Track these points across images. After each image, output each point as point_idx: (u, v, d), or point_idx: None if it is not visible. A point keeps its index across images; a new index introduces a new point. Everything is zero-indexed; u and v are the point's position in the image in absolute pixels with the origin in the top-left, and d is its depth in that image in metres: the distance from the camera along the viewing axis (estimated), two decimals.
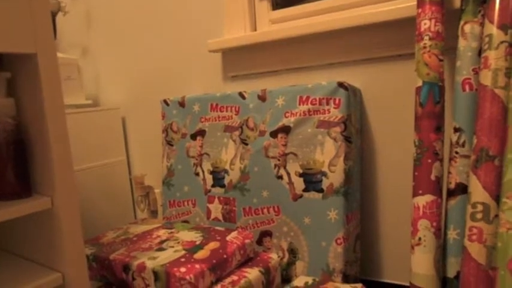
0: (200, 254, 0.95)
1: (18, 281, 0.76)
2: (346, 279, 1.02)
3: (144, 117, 1.57)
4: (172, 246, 1.01)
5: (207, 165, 1.24)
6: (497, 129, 0.77)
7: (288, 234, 1.08)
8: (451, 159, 0.87)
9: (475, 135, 0.79)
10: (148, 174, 1.58)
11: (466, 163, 0.85)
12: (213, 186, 1.22)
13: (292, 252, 1.08)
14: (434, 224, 0.84)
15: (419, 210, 0.86)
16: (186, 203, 1.29)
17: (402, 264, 1.12)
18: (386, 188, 1.11)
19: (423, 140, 0.86)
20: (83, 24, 1.67)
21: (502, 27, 0.78)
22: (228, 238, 1.03)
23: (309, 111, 1.05)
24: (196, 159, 1.26)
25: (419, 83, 0.87)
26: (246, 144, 1.16)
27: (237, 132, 1.18)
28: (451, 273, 0.86)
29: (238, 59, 1.30)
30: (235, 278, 0.95)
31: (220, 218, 1.20)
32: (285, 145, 1.08)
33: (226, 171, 1.19)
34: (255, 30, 1.29)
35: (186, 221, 1.28)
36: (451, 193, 0.87)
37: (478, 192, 0.78)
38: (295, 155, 1.07)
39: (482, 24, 0.84)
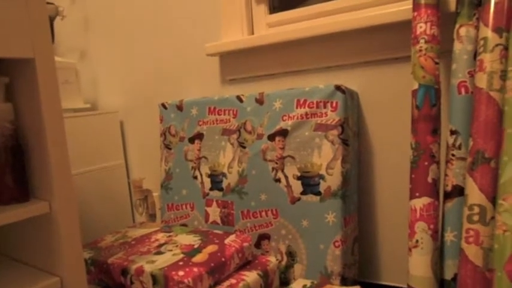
0: (198, 258, 0.95)
1: (17, 285, 0.76)
2: (344, 281, 1.02)
3: (142, 120, 1.57)
4: (171, 250, 1.01)
5: (205, 169, 1.24)
6: (493, 131, 0.78)
7: (286, 237, 1.09)
8: (447, 161, 0.88)
9: (471, 138, 0.80)
10: (147, 177, 1.58)
11: (463, 165, 0.85)
12: (211, 189, 1.23)
13: (291, 255, 1.08)
14: (432, 226, 0.85)
15: (416, 213, 0.86)
16: (184, 207, 1.29)
17: (400, 267, 1.12)
18: (384, 190, 1.12)
19: (420, 143, 0.86)
20: (81, 28, 1.67)
21: (497, 30, 0.78)
22: (226, 241, 1.03)
23: (306, 114, 1.05)
24: (195, 163, 1.26)
25: (416, 86, 0.87)
26: (244, 147, 1.16)
27: (234, 136, 1.18)
28: (448, 275, 0.87)
29: (235, 63, 1.30)
30: (233, 281, 0.95)
31: (219, 221, 1.21)
32: (282, 148, 1.08)
33: (224, 175, 1.20)
34: (253, 33, 1.29)
35: (184, 225, 1.29)
36: (447, 195, 0.87)
37: (475, 195, 0.78)
38: (292, 158, 1.07)
39: (477, 28, 0.85)
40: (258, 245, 1.13)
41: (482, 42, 0.80)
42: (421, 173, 0.86)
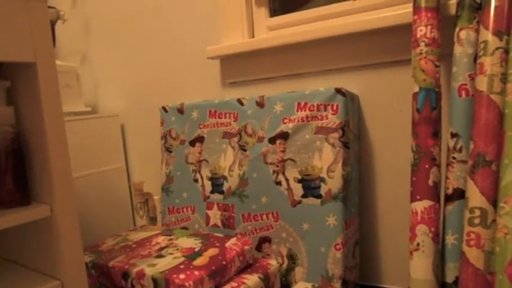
0: (199, 261, 0.95)
1: None
2: (345, 284, 1.02)
3: (142, 124, 1.57)
4: (172, 253, 1.01)
5: (205, 172, 1.24)
6: (494, 134, 0.78)
7: (287, 240, 1.09)
8: (448, 164, 0.88)
9: (471, 141, 0.80)
10: (147, 181, 1.58)
11: (463, 168, 0.85)
12: (211, 192, 1.23)
13: (291, 258, 1.08)
14: (433, 229, 0.85)
15: (417, 216, 0.86)
16: (185, 210, 1.29)
17: (401, 270, 1.12)
18: (385, 193, 1.12)
19: (420, 146, 0.86)
20: (81, 32, 1.67)
21: (497, 33, 0.79)
22: (227, 244, 1.03)
23: (307, 117, 1.05)
24: (195, 166, 1.26)
25: (416, 89, 0.88)
26: (245, 150, 1.16)
27: (235, 139, 1.18)
28: (449, 278, 0.87)
29: (236, 66, 1.31)
30: (234, 284, 0.95)
31: (219, 224, 1.21)
32: (283, 151, 1.09)
33: (225, 178, 1.20)
34: (253, 37, 1.30)
35: (185, 228, 1.28)
36: (448, 198, 0.87)
37: (476, 198, 0.78)
38: (293, 161, 1.07)
39: (477, 31, 0.85)
40: (258, 248, 1.13)
41: (482, 45, 0.80)
42: (421, 175, 0.86)
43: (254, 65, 1.27)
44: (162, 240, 1.12)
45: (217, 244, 1.04)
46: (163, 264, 0.94)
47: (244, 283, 0.95)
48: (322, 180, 1.03)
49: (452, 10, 0.92)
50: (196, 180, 1.26)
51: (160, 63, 1.48)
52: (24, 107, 0.76)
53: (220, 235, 1.11)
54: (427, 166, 0.86)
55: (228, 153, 1.20)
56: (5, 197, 0.75)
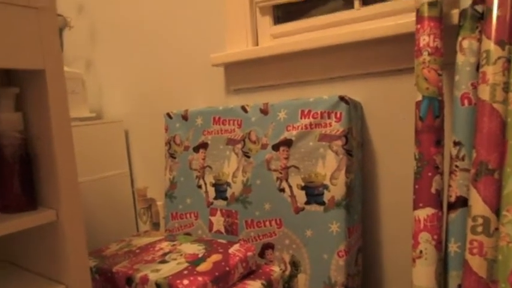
0: (203, 267, 0.95)
1: None
2: None
3: (146, 130, 1.58)
4: (175, 259, 1.01)
5: (209, 178, 1.25)
6: (496, 143, 0.78)
7: (290, 246, 1.09)
8: (451, 172, 0.88)
9: (474, 149, 0.80)
10: (151, 186, 1.59)
11: (466, 176, 0.86)
12: (215, 198, 1.23)
13: (294, 264, 1.08)
14: (435, 237, 0.85)
15: (420, 223, 0.86)
16: (188, 216, 1.29)
17: (403, 277, 1.12)
18: (387, 201, 1.12)
19: (423, 154, 0.87)
20: (87, 38, 1.69)
21: (500, 43, 0.79)
22: (230, 251, 1.03)
23: (310, 124, 1.06)
24: (199, 172, 1.27)
25: (419, 98, 0.88)
26: (248, 157, 1.17)
27: (239, 145, 1.19)
28: (452, 286, 0.87)
29: (240, 73, 1.32)
30: None
31: (223, 230, 1.21)
32: (286, 158, 1.09)
33: (228, 184, 1.20)
34: (257, 44, 1.31)
35: (188, 234, 1.29)
36: (451, 206, 0.88)
37: (478, 206, 0.79)
38: (297, 168, 1.08)
39: (480, 40, 0.86)
40: (261, 254, 1.14)
41: (484, 54, 0.81)
42: (424, 183, 0.86)
43: (258, 73, 1.28)
44: (165, 245, 1.12)
45: (221, 250, 1.04)
46: (167, 269, 0.95)
47: None
48: (326, 187, 1.03)
49: (455, 20, 0.93)
50: (199, 187, 1.27)
51: (165, 70, 1.49)
52: (32, 113, 0.77)
53: (224, 241, 1.11)
54: (429, 174, 0.86)
55: (231, 160, 1.20)
56: (12, 201, 0.75)
